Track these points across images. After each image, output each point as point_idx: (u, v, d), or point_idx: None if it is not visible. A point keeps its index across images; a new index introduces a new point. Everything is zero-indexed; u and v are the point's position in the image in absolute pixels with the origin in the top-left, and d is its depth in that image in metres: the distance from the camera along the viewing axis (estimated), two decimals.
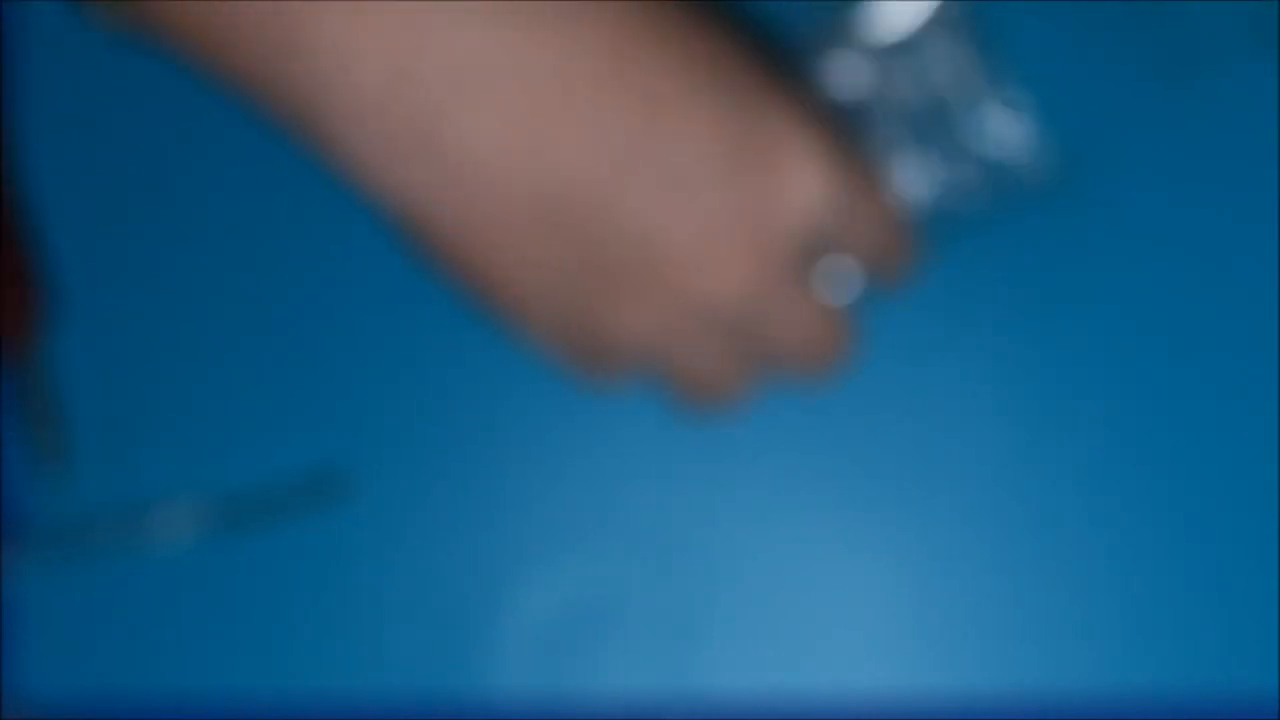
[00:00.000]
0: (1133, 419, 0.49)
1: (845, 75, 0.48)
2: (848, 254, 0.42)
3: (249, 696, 0.49)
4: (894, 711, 0.49)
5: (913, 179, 0.48)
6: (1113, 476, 0.49)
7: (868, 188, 0.41)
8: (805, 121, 0.40)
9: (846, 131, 0.42)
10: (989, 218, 0.49)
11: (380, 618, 0.49)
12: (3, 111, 0.50)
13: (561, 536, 0.49)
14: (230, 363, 0.49)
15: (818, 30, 0.48)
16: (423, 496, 0.49)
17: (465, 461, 0.49)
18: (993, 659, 0.49)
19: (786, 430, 0.49)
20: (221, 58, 0.36)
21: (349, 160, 0.37)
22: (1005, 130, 0.48)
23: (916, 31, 0.48)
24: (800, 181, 0.39)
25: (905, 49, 0.48)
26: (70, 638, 0.49)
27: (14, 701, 0.49)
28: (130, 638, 0.49)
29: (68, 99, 0.49)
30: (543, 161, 0.37)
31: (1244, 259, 0.49)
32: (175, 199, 0.50)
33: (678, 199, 0.38)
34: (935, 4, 0.48)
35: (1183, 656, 0.49)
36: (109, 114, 0.49)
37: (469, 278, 0.39)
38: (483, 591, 0.49)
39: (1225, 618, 0.49)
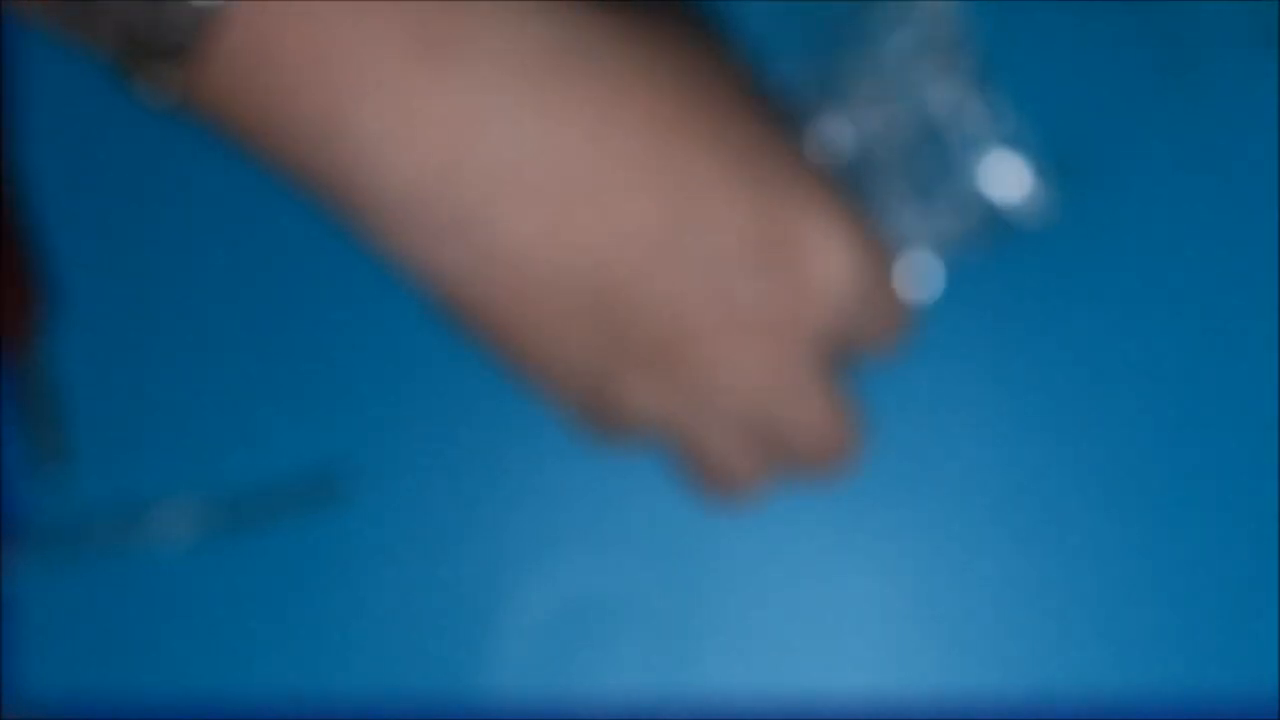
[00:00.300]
0: (1133, 419, 0.49)
1: (842, 128, 0.48)
2: (860, 344, 0.42)
3: (249, 696, 0.49)
4: (894, 711, 0.49)
5: (912, 223, 0.48)
6: (1113, 476, 0.49)
7: (885, 276, 0.42)
8: (832, 208, 0.40)
9: (857, 201, 0.43)
10: (989, 256, 0.49)
11: (380, 618, 0.49)
12: (2, 111, 0.50)
13: (561, 537, 0.49)
14: (230, 363, 0.49)
15: (810, 87, 0.48)
16: (423, 496, 0.49)
17: (465, 462, 0.49)
18: (993, 659, 0.49)
19: None
20: (270, 141, 0.36)
21: (389, 243, 0.38)
22: (1006, 172, 0.48)
23: (910, 69, 0.48)
24: (829, 268, 0.40)
25: (901, 91, 0.48)
26: (70, 638, 0.49)
27: (14, 701, 0.49)
28: (130, 638, 0.49)
29: (68, 99, 0.49)
30: (577, 246, 0.37)
31: (1245, 259, 0.49)
32: (175, 199, 0.49)
33: (707, 285, 0.38)
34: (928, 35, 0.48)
35: (1183, 656, 0.49)
36: (109, 114, 0.49)
37: (497, 345, 0.40)
38: (483, 591, 0.49)
39: (1225, 618, 0.49)
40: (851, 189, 0.46)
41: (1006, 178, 0.48)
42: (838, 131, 0.48)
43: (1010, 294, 0.49)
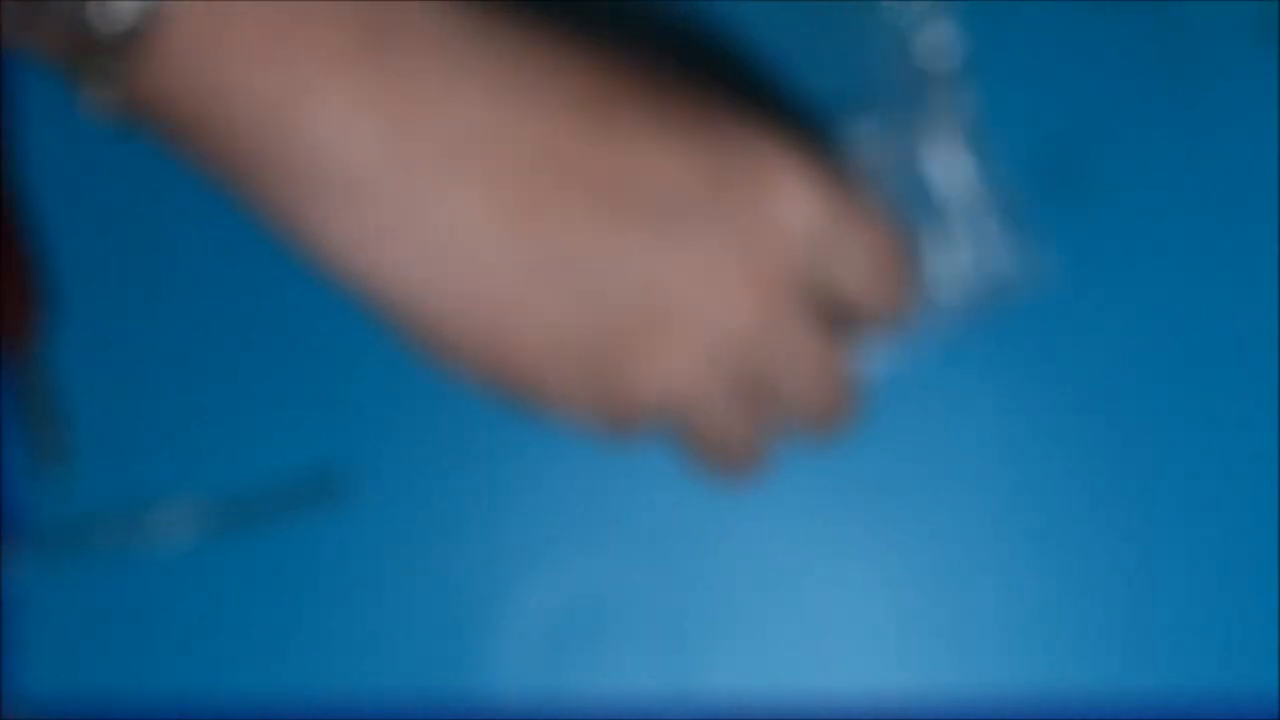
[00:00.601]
0: (1133, 419, 0.49)
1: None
2: (846, 283, 0.42)
3: (249, 696, 0.49)
4: (894, 711, 0.49)
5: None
6: (1113, 477, 0.49)
7: (857, 206, 0.41)
8: (784, 146, 0.40)
9: (834, 164, 0.42)
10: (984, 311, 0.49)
11: (380, 618, 0.49)
12: (3, 113, 0.50)
13: (561, 537, 0.49)
14: (230, 363, 0.49)
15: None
16: (423, 496, 0.49)
17: (465, 461, 0.49)
18: (993, 659, 0.49)
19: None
20: (215, 141, 0.36)
21: (334, 247, 0.37)
22: (1002, 236, 0.48)
23: (910, 136, 0.48)
24: (788, 202, 0.39)
25: (901, 158, 0.49)
26: (70, 638, 0.49)
27: (14, 701, 0.49)
28: (130, 638, 0.49)
29: (67, 100, 0.49)
30: (531, 226, 0.37)
31: (1245, 259, 0.49)
32: (175, 200, 0.50)
33: (670, 237, 0.38)
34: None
35: (1183, 656, 0.49)
36: None
37: (471, 359, 0.39)
38: (483, 591, 0.49)
39: (1225, 618, 0.49)
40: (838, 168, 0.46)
41: (1000, 248, 0.49)
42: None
43: (1011, 293, 0.49)
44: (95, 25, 0.34)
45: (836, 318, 0.42)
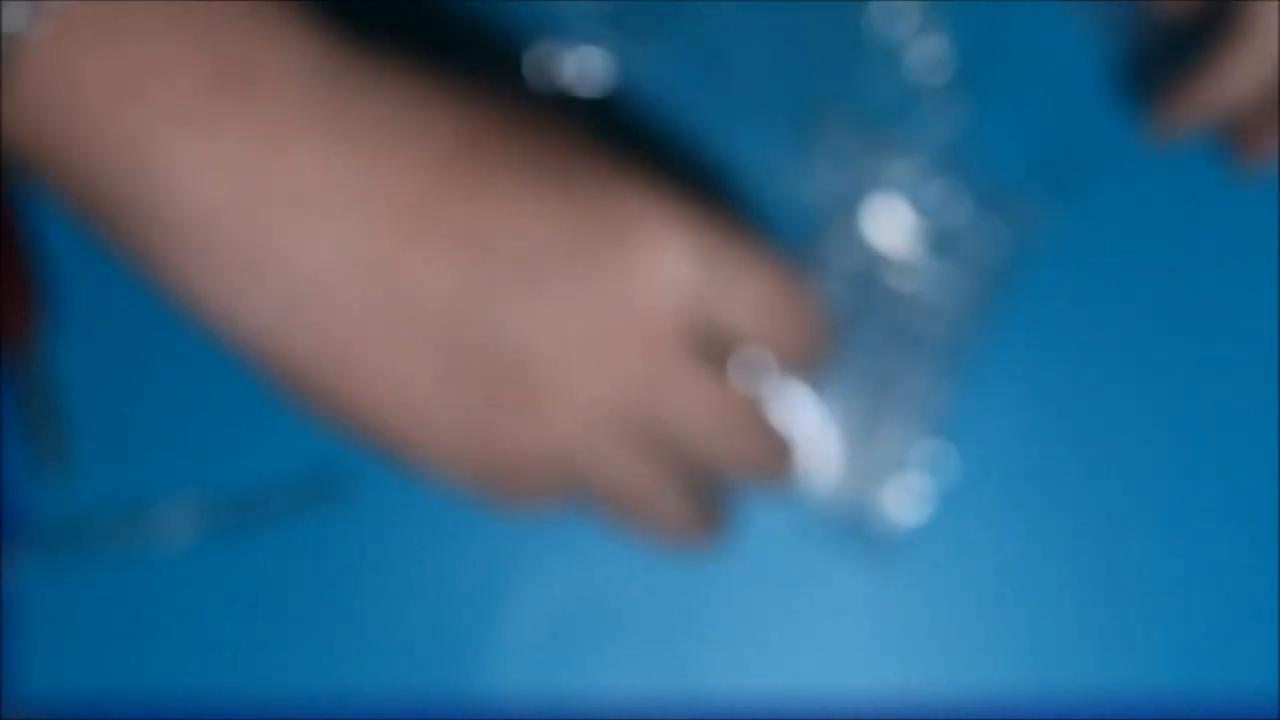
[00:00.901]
0: (1132, 418, 0.49)
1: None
2: (739, 329, 0.40)
3: (249, 696, 0.49)
4: (894, 711, 0.49)
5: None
6: (1112, 476, 0.49)
7: (747, 255, 0.39)
8: (662, 198, 0.38)
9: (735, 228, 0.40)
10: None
11: (380, 618, 0.49)
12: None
13: (561, 537, 0.49)
14: (229, 363, 0.49)
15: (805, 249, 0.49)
16: (423, 496, 0.49)
17: None
18: (992, 659, 0.49)
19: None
20: (73, 180, 0.35)
21: (191, 291, 0.36)
22: (996, 237, 0.49)
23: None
24: (661, 256, 0.38)
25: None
26: (70, 638, 0.49)
27: (14, 701, 0.49)
28: (130, 638, 0.49)
29: None
30: (391, 277, 0.36)
31: (1246, 260, 0.49)
32: None
33: (539, 295, 0.37)
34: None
35: (1183, 656, 0.49)
36: None
37: (329, 410, 0.38)
38: (483, 591, 0.49)
39: (1225, 618, 0.49)
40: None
41: (996, 247, 0.48)
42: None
43: (1008, 295, 0.49)
44: None
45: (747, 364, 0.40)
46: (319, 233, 0.36)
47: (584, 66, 0.49)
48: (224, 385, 0.49)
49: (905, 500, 0.48)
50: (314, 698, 0.49)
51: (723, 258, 0.39)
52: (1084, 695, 0.49)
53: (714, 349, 0.39)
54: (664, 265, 0.38)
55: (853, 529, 0.48)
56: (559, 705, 0.49)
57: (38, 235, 0.50)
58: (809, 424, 0.48)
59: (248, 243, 0.36)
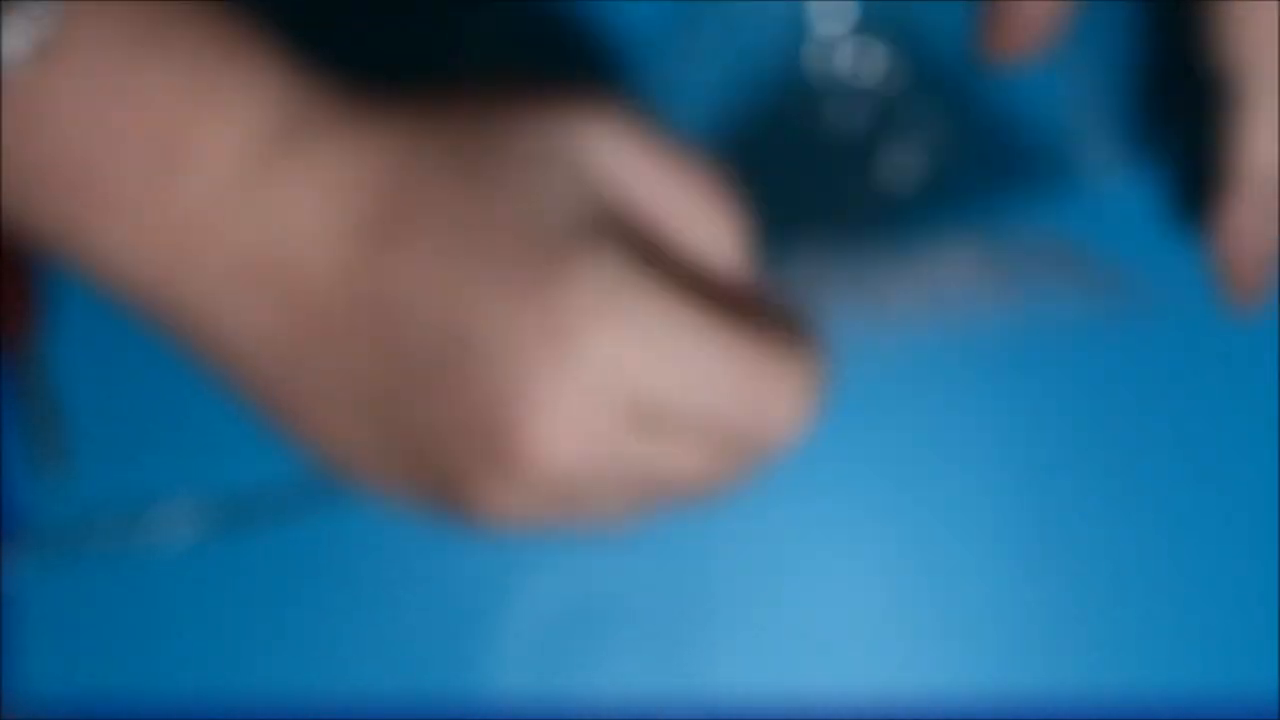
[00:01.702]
0: (1132, 419, 0.49)
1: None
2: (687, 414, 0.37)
3: (249, 696, 0.49)
4: (894, 711, 0.49)
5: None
6: (1113, 477, 0.49)
7: (688, 333, 0.36)
8: (593, 291, 0.35)
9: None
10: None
11: (380, 618, 0.49)
12: None
13: (562, 537, 0.49)
14: None
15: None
16: None
17: None
18: (992, 659, 0.49)
19: None
20: (19, 232, 0.37)
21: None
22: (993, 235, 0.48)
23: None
24: (599, 347, 0.35)
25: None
26: (70, 638, 0.49)
27: (14, 701, 0.49)
28: (130, 638, 0.49)
29: None
30: (316, 355, 0.36)
31: None
32: None
33: (445, 385, 0.36)
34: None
35: (1183, 656, 0.49)
36: None
37: (302, 443, 0.39)
38: (483, 591, 0.49)
39: (1225, 618, 0.49)
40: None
41: (993, 248, 0.48)
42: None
43: (1009, 296, 0.49)
44: None
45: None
46: (253, 309, 0.36)
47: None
48: (223, 386, 0.49)
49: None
50: (314, 698, 0.49)
51: (664, 336, 0.36)
52: (1084, 695, 0.49)
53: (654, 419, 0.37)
54: (621, 359, 0.35)
55: None
56: (559, 705, 0.49)
57: None
58: None
59: (176, 313, 0.37)
